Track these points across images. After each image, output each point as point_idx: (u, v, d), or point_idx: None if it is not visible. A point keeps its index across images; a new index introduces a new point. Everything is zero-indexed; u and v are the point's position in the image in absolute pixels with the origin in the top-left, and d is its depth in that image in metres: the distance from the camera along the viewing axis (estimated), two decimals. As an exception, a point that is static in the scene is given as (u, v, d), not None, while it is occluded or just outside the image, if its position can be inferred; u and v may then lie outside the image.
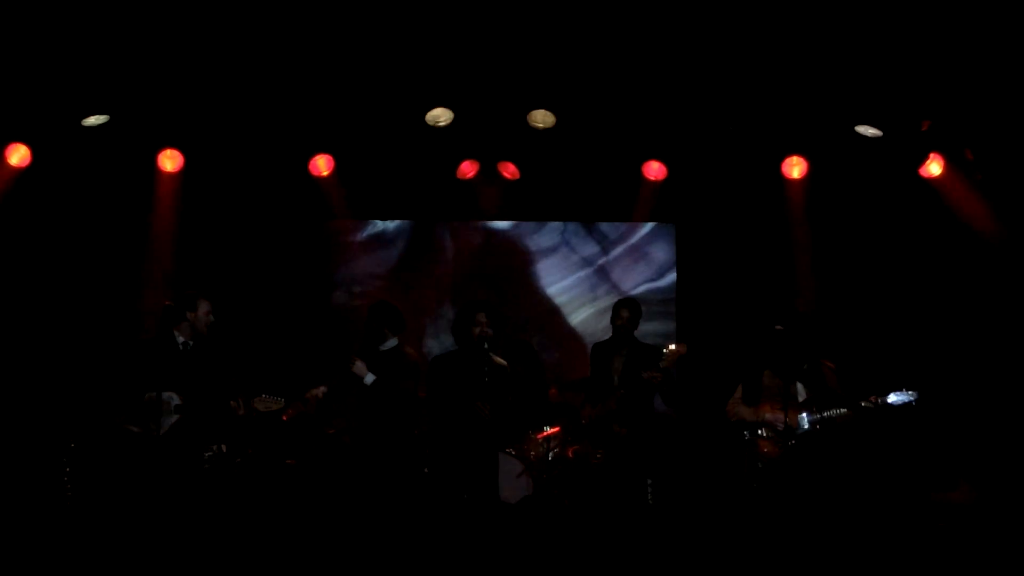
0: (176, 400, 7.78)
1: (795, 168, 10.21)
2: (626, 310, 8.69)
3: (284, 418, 8.99)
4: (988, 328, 10.12)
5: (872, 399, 7.81)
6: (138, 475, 7.85)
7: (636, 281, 10.99)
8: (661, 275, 11.00)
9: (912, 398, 7.77)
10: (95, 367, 9.63)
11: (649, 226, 11.03)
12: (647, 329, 10.71)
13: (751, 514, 8.15)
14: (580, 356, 10.17)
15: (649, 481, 8.47)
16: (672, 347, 8.20)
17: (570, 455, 9.36)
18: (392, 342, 8.33)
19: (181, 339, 7.88)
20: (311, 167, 10.23)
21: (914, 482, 9.22)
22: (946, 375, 10.01)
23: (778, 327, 8.26)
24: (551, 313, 11.04)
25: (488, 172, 10.40)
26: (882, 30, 8.81)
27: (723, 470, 9.36)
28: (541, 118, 9.64)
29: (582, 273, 11.05)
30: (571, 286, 11.06)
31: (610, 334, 8.96)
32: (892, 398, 7.76)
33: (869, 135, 9.71)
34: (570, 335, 10.96)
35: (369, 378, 8.10)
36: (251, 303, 10.46)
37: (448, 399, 7.87)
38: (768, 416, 7.91)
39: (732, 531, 8.33)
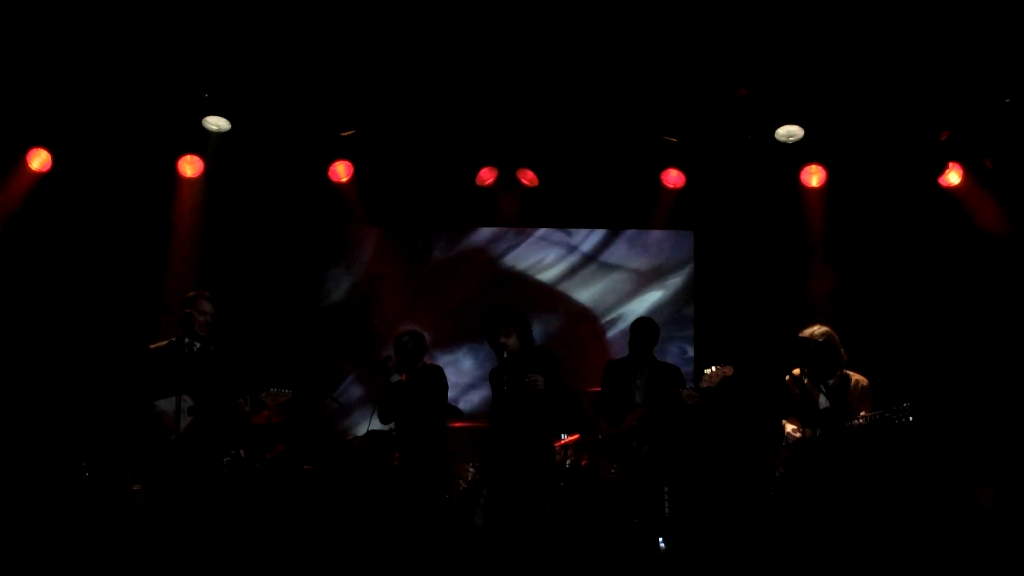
0: (188, 402, 7.81)
1: (814, 177, 10.19)
2: (644, 332, 8.64)
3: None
4: (1009, 336, 10.11)
5: (863, 416, 7.81)
6: (157, 478, 7.90)
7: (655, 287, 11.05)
8: (678, 280, 11.04)
9: (904, 413, 7.76)
10: (113, 371, 9.71)
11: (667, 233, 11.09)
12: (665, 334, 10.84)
13: (767, 528, 8.17)
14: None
15: (666, 497, 8.43)
16: (713, 368, 8.09)
17: (584, 464, 9.37)
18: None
19: (186, 340, 7.93)
20: (330, 173, 10.26)
21: (931, 492, 9.21)
22: (965, 383, 10.01)
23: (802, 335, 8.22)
24: (576, 315, 11.09)
25: (507, 179, 10.41)
26: (901, 39, 8.80)
27: (741, 485, 9.39)
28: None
29: (614, 277, 11.10)
30: (591, 287, 11.11)
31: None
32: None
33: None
34: (597, 336, 11.02)
35: (394, 377, 8.51)
36: (267, 305, 10.50)
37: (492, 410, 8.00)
38: (789, 429, 7.92)
39: (747, 546, 8.34)
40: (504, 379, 7.84)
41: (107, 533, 8.38)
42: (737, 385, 9.08)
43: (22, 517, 8.66)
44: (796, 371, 8.02)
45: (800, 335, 8.05)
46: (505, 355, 7.88)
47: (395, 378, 8.50)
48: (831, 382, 8.01)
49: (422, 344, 8.74)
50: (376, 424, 8.78)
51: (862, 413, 7.82)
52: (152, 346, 8.05)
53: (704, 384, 8.05)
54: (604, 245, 11.13)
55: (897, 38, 8.78)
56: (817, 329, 8.04)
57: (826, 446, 7.78)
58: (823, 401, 7.97)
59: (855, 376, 8.06)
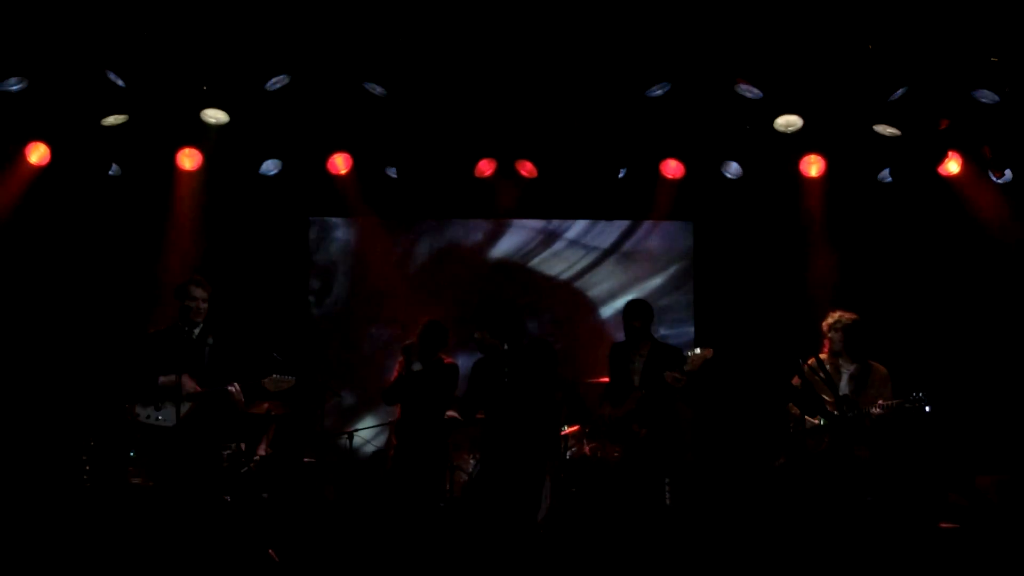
0: (189, 387, 7.82)
1: (813, 166, 10.18)
2: (637, 313, 8.61)
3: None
4: (1005, 327, 10.12)
5: (881, 403, 7.87)
6: (156, 464, 7.90)
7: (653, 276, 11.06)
8: (678, 271, 11.05)
9: (920, 402, 7.81)
10: (112, 361, 9.72)
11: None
12: (665, 325, 10.85)
13: (771, 513, 8.20)
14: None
15: (667, 481, 8.45)
16: (698, 351, 8.13)
17: (587, 452, 9.38)
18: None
19: (186, 328, 7.93)
20: (329, 165, 10.25)
21: (931, 482, 9.23)
22: (963, 374, 10.02)
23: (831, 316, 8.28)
24: (578, 306, 11.09)
25: (505, 170, 10.40)
26: (900, 28, 8.80)
27: (743, 469, 9.40)
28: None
29: (613, 268, 11.12)
30: (594, 278, 11.12)
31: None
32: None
33: (887, 134, 9.69)
34: (598, 327, 11.01)
35: (416, 365, 8.58)
36: (265, 296, 10.51)
37: (481, 400, 7.98)
38: (807, 418, 7.99)
39: (750, 532, 8.35)
40: (505, 371, 7.83)
41: (107, 525, 8.37)
42: (739, 373, 9.13)
43: (22, 509, 8.67)
44: (820, 356, 8.10)
45: (829, 316, 8.14)
46: (505, 347, 7.88)
47: (416, 366, 8.55)
48: (853, 369, 8.08)
49: (443, 337, 8.77)
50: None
51: (879, 401, 7.87)
52: (151, 331, 8.07)
53: (688, 368, 8.10)
54: (603, 236, 11.13)
55: (894, 25, 8.77)
56: (847, 314, 8.13)
57: (843, 432, 7.86)
58: (844, 387, 8.02)
59: (876, 365, 8.12)
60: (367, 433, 10.20)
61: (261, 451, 9.42)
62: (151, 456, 7.93)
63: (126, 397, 7.87)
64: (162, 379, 7.78)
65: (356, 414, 10.64)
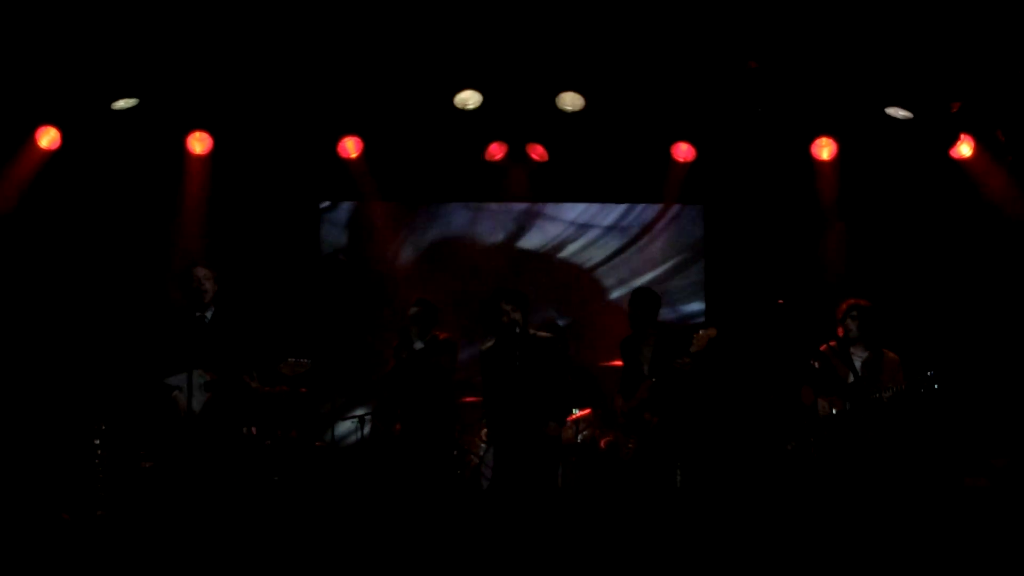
0: (204, 378, 7.82)
1: (825, 149, 10.16)
2: (639, 303, 8.59)
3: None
4: (1017, 310, 10.09)
5: (891, 387, 7.87)
6: (175, 457, 7.91)
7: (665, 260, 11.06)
8: (690, 255, 11.04)
9: (931, 382, 7.80)
10: (123, 347, 9.73)
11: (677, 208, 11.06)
12: (680, 311, 10.86)
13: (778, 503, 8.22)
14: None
15: (679, 468, 8.44)
16: (701, 332, 8.14)
17: (603, 447, 9.38)
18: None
19: (198, 314, 7.93)
20: (340, 149, 10.23)
21: (943, 467, 9.22)
22: (975, 357, 10.00)
23: (780, 300, 8.31)
24: (587, 290, 11.09)
25: (516, 154, 10.37)
26: (912, 10, 8.76)
27: (753, 455, 9.40)
28: (570, 100, 9.60)
29: (624, 251, 11.11)
30: (604, 264, 11.11)
31: None
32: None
33: (900, 117, 9.66)
34: (610, 311, 11.00)
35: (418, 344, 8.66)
36: (275, 282, 10.52)
37: (493, 388, 7.98)
38: (820, 403, 8.01)
39: (759, 520, 8.36)
40: (516, 354, 7.84)
41: (119, 513, 8.40)
42: (749, 358, 9.10)
43: (34, 495, 8.70)
44: (831, 344, 8.12)
45: (844, 303, 8.15)
46: (517, 330, 7.89)
47: (418, 345, 8.62)
48: (865, 356, 8.09)
49: (435, 314, 8.77)
50: None
51: (888, 384, 7.88)
52: (165, 316, 8.07)
53: (693, 348, 8.07)
54: (613, 219, 11.10)
55: (906, 8, 8.73)
56: (862, 301, 8.15)
57: (854, 417, 7.87)
58: (857, 371, 8.04)
59: (888, 352, 8.13)
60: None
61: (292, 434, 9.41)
62: (172, 439, 7.93)
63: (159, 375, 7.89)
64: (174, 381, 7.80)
65: (357, 400, 10.64)
